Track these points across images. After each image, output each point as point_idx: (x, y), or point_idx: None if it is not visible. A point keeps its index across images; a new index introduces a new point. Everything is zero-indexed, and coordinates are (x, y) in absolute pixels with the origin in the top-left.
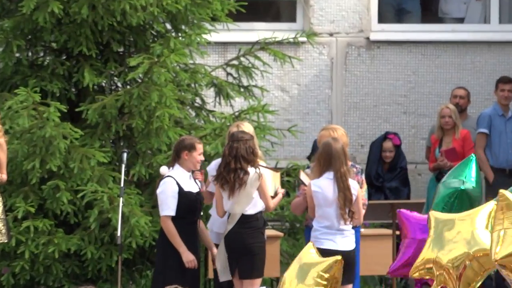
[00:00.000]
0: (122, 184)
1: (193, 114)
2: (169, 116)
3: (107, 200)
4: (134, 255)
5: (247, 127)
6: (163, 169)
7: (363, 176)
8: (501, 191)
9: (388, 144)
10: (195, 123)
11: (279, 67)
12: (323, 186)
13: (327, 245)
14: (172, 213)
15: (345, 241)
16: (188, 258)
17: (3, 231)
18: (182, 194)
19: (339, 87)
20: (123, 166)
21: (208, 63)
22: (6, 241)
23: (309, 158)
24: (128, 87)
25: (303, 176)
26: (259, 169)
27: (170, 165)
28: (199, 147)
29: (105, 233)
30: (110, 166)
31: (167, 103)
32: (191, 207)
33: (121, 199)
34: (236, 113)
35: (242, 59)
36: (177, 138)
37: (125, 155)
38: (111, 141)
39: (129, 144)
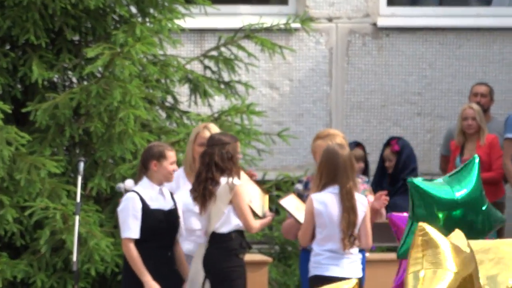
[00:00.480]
0: (78, 200)
1: (164, 115)
2: (134, 118)
3: (60, 218)
4: (93, 284)
5: (215, 130)
6: (128, 183)
7: (369, 185)
8: (421, 224)
9: (386, 152)
10: (165, 127)
11: (267, 59)
12: (327, 203)
13: (333, 271)
14: (134, 235)
15: (353, 266)
16: None
17: None
18: (148, 213)
19: (339, 83)
20: (80, 178)
21: (182, 54)
22: None
23: None
24: (85, 83)
25: (287, 203)
26: (232, 178)
27: (137, 178)
28: (170, 155)
29: (58, 258)
30: (63, 178)
31: (132, 102)
32: (158, 229)
33: (77, 217)
34: (216, 115)
35: (222, 49)
36: (144, 144)
37: (81, 164)
38: (64, 148)
39: (87, 151)
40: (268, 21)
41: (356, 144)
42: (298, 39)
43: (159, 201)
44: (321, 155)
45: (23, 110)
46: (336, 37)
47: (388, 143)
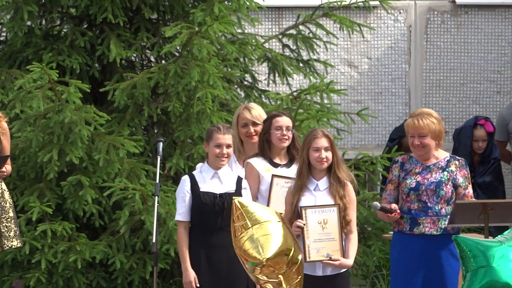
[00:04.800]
0: (157, 180)
1: (242, 95)
2: (212, 97)
3: (139, 199)
4: (172, 265)
5: (257, 110)
6: (199, 166)
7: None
8: (236, 198)
9: (480, 132)
10: None
11: (346, 38)
12: None
13: None
14: (181, 217)
15: None
16: (186, 278)
17: (12, 233)
18: (196, 195)
19: (418, 61)
20: (159, 158)
21: (260, 32)
22: (20, 245)
23: (389, 149)
24: (163, 62)
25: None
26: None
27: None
28: (218, 136)
29: (137, 239)
30: (142, 158)
31: (210, 81)
32: (204, 212)
33: (156, 198)
34: (295, 93)
35: (301, 27)
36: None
37: (160, 144)
38: (143, 127)
39: (165, 131)
40: None
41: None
42: (376, 17)
43: (212, 184)
44: None
45: (101, 90)
46: (415, 14)
47: (475, 124)
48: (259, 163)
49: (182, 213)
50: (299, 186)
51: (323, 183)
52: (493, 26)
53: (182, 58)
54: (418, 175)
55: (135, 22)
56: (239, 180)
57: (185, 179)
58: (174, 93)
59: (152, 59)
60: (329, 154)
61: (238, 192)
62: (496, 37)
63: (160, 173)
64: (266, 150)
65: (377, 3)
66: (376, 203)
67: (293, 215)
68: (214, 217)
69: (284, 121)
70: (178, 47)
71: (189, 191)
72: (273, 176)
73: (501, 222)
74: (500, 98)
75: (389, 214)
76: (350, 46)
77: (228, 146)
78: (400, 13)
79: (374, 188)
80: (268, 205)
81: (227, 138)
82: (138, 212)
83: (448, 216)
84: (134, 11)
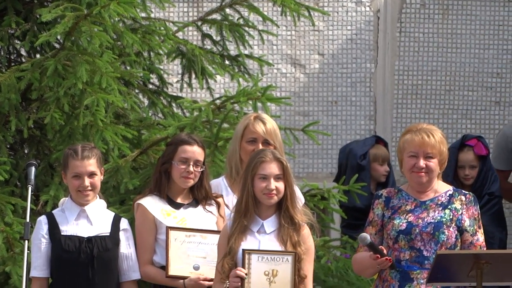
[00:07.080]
0: (27, 218)
1: (146, 102)
2: (105, 105)
3: (2, 243)
4: None
5: (274, 126)
6: (62, 202)
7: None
8: None
9: (467, 156)
10: (148, 118)
11: (290, 26)
12: None
13: None
14: (38, 272)
15: None
16: None
17: None
18: (56, 241)
19: (388, 59)
20: (30, 187)
21: (172, 17)
22: None
23: (337, 179)
24: (39, 56)
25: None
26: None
27: None
28: (75, 164)
29: None
30: (7, 188)
31: (102, 83)
32: (72, 263)
33: (26, 242)
34: (218, 101)
35: (228, 10)
36: (119, 141)
37: (32, 169)
38: (8, 146)
39: (39, 151)
40: None
41: (377, 140)
42: None
43: (78, 226)
44: None
45: None
46: None
47: (463, 144)
48: (154, 205)
49: (37, 266)
50: (242, 227)
51: (270, 223)
52: (492, 12)
53: (65, 52)
54: (409, 214)
55: (0, 1)
56: (116, 219)
57: (41, 220)
58: (53, 99)
59: (23, 52)
60: (280, 185)
61: (114, 235)
62: (496, 28)
63: (32, 209)
64: (164, 185)
65: None
66: (366, 235)
67: (232, 264)
68: (81, 269)
69: (194, 152)
70: (59, 36)
71: (46, 236)
72: (169, 228)
73: (498, 280)
74: (500, 111)
75: (379, 256)
76: (296, 37)
77: (91, 175)
78: None
79: (326, 232)
80: (167, 266)
81: (87, 165)
82: (2, 261)
83: (427, 272)
84: None
